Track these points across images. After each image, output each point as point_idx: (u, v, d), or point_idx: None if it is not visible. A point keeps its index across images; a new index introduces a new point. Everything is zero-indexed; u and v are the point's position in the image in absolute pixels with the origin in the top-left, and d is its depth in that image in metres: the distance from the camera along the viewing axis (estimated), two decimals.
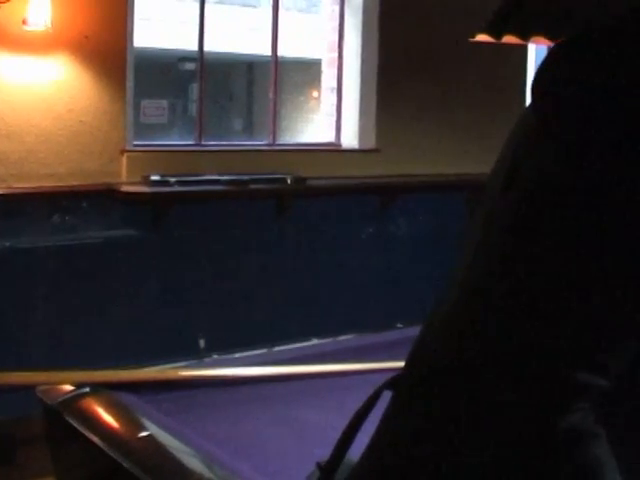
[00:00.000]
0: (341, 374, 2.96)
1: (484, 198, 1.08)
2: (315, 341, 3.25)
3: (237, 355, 3.01)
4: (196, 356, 3.74)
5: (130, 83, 5.47)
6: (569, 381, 0.91)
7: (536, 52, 9.70)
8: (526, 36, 6.43)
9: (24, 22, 4.89)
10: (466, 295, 1.01)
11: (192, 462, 2.29)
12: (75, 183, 5.25)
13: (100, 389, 2.74)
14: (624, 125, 0.88)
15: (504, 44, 6.54)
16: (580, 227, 0.91)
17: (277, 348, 3.15)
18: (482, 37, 6.44)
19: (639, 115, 0.89)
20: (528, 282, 0.94)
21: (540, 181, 0.94)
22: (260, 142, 6.69)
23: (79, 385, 2.74)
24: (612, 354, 0.93)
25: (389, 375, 3.05)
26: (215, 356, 3.16)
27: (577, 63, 0.95)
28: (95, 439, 2.40)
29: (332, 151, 6.56)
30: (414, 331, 3.46)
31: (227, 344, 3.44)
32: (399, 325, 3.54)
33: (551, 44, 6.45)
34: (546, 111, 0.98)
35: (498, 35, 6.46)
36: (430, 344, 1.05)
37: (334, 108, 6.61)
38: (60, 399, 2.68)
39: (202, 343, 5.50)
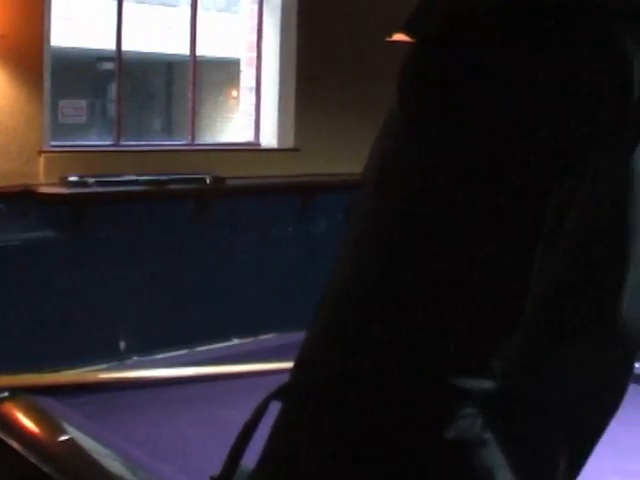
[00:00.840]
0: (263, 373, 2.96)
1: (358, 197, 1.01)
2: (236, 341, 3.25)
3: (159, 356, 3.00)
4: (116, 358, 3.72)
5: (47, 83, 5.41)
6: (450, 388, 0.86)
7: None
8: None
9: None
10: (341, 298, 0.97)
11: (114, 465, 2.27)
12: None
13: (19, 393, 2.70)
14: (485, 119, 0.89)
15: None
16: (448, 224, 0.90)
17: (198, 349, 3.14)
18: (399, 36, 6.51)
19: (500, 111, 0.89)
20: (398, 285, 0.91)
21: (407, 178, 0.93)
22: (179, 142, 6.66)
23: None
24: (494, 353, 0.89)
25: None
26: (135, 358, 3.15)
27: (438, 58, 0.94)
28: (14, 445, 2.37)
29: (251, 150, 6.55)
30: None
31: (148, 345, 3.43)
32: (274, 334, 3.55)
33: None
34: (409, 107, 0.97)
35: (415, 34, 6.54)
36: (312, 350, 1.01)
37: (253, 107, 6.61)
38: None
39: (122, 345, 5.46)
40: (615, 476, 2.33)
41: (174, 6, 11.63)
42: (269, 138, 6.58)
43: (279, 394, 1.07)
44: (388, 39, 6.43)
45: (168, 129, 13.97)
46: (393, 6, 6.47)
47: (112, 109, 7.17)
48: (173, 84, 14.20)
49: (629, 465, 2.41)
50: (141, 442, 2.41)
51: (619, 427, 2.64)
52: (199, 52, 6.30)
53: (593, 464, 2.37)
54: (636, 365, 2.99)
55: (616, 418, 2.69)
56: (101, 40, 8.27)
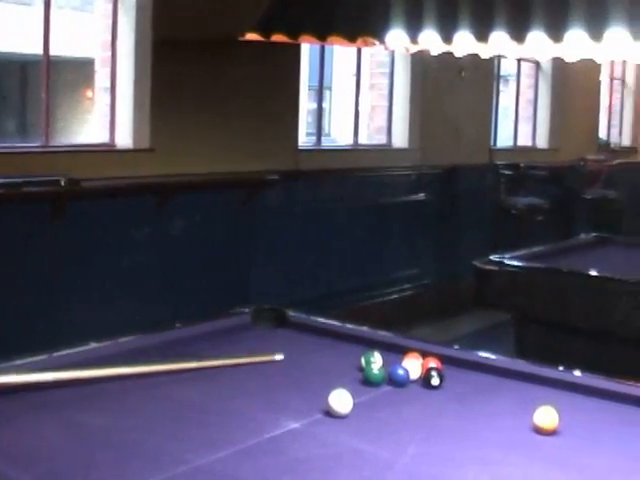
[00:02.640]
0: (123, 377, 2.96)
1: None
2: (94, 344, 3.23)
3: (17, 362, 2.96)
4: None
5: None
6: None
7: (309, 51, 9.89)
8: (294, 35, 6.57)
9: None
10: None
11: None
12: None
13: None
14: None
15: (277, 43, 6.67)
16: None
17: (57, 353, 3.12)
18: (252, 36, 6.55)
19: None
20: None
21: None
22: (33, 144, 6.55)
23: None
24: None
25: (174, 376, 3.08)
26: None
27: None
28: None
29: (106, 151, 6.49)
30: (193, 330, 3.53)
31: (5, 351, 3.38)
32: (178, 325, 3.56)
33: (346, 44, 6.63)
34: None
35: (267, 34, 6.58)
36: None
37: (108, 108, 6.54)
38: None
39: None
40: (474, 465, 2.41)
41: (27, 5, 11.41)
42: (124, 139, 6.52)
43: None
44: (241, 38, 6.49)
45: (23, 131, 13.71)
46: (247, 6, 6.53)
47: None
48: (27, 85, 13.94)
49: (487, 454, 2.50)
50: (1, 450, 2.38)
51: (478, 418, 2.75)
52: (53, 52, 6.19)
53: (454, 454, 2.47)
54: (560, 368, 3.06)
55: (478, 410, 2.79)
56: None
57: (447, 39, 5.97)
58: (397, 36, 6.15)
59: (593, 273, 5.32)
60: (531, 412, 2.68)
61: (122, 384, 2.91)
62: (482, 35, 5.83)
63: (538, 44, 5.68)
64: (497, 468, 2.40)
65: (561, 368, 3.22)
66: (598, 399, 2.99)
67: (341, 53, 10.08)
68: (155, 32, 6.42)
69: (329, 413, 2.68)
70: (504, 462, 2.44)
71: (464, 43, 5.97)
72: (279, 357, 3.18)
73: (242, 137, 7.08)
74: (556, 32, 5.54)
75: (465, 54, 6.32)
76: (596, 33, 5.39)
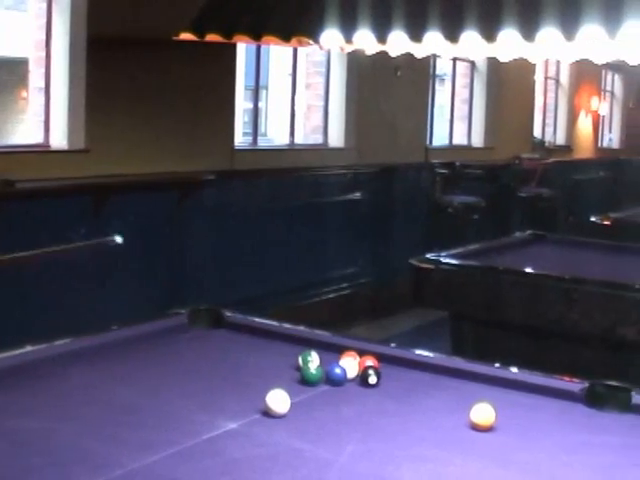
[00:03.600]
0: (60, 379, 2.94)
1: None
2: (29, 348, 3.19)
3: None
4: None
5: None
6: None
7: (246, 51, 9.87)
8: (229, 35, 6.56)
9: None
10: None
11: None
12: None
13: None
14: None
15: (213, 42, 6.65)
16: None
17: None
18: (186, 36, 6.53)
19: None
20: None
21: None
22: None
23: None
24: None
25: (112, 378, 3.06)
26: None
27: None
28: None
29: (41, 152, 6.42)
30: (129, 332, 3.50)
31: None
32: (114, 327, 3.54)
33: (281, 43, 6.63)
34: None
35: (201, 34, 6.56)
36: None
37: (42, 108, 6.48)
38: None
39: None
40: (412, 463, 2.42)
41: None
42: (59, 139, 6.46)
43: None
44: (175, 37, 6.46)
45: None
46: (181, 7, 6.50)
47: None
48: None
49: (425, 451, 2.51)
50: None
51: (415, 416, 2.77)
52: None
53: (391, 452, 2.48)
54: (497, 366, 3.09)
55: (416, 407, 2.81)
56: None
57: (381, 39, 6.00)
58: (332, 36, 6.17)
59: (528, 270, 5.38)
60: (468, 409, 2.70)
61: (54, 387, 2.89)
62: (416, 35, 5.86)
63: (472, 44, 5.73)
64: (435, 465, 2.41)
65: (497, 365, 3.25)
66: (534, 395, 3.02)
67: (277, 53, 10.09)
68: (90, 32, 6.36)
69: (267, 413, 2.68)
70: (441, 459, 2.46)
71: (398, 43, 6.01)
72: (118, 239, 3.04)
73: (178, 137, 7.06)
74: (489, 32, 5.59)
75: (400, 54, 6.36)
76: (529, 33, 5.45)
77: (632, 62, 6.04)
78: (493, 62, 9.39)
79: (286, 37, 6.42)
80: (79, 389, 2.91)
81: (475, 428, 2.67)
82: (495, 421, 2.67)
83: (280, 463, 2.36)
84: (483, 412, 2.67)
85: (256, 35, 6.44)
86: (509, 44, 5.63)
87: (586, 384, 3.01)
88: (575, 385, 3.04)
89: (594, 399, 2.95)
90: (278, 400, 2.68)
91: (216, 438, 2.51)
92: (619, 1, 5.13)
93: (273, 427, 2.62)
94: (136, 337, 3.44)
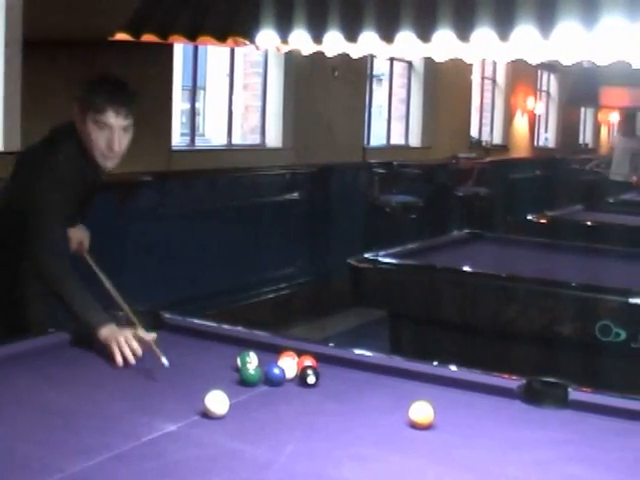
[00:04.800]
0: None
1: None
2: None
3: None
4: None
5: None
6: None
7: (183, 51, 9.82)
8: (164, 35, 6.53)
9: None
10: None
11: None
12: None
13: None
14: None
15: (149, 43, 6.61)
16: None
17: None
18: (122, 36, 6.48)
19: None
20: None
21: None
22: None
23: None
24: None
25: (47, 381, 3.02)
26: None
27: None
28: None
29: None
30: (66, 334, 3.45)
31: None
32: (50, 329, 3.51)
33: (216, 44, 6.59)
34: None
35: (137, 34, 6.52)
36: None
37: None
38: None
39: None
40: (352, 462, 2.43)
41: None
42: None
43: None
44: (111, 37, 6.41)
45: None
46: (117, 7, 6.45)
47: None
48: None
49: (365, 451, 2.52)
50: None
51: (355, 415, 2.77)
52: None
53: (331, 452, 2.49)
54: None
55: (355, 407, 2.82)
56: None
57: (317, 39, 6.01)
58: (267, 36, 6.16)
59: (465, 269, 5.42)
60: (407, 407, 2.71)
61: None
62: (352, 35, 5.88)
63: (407, 44, 5.76)
64: (374, 464, 2.42)
65: (435, 363, 3.27)
66: (472, 392, 3.05)
67: (215, 53, 10.05)
68: (25, 33, 6.29)
69: (206, 414, 2.68)
70: (381, 458, 2.47)
71: (334, 43, 6.02)
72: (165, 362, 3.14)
73: None
74: (425, 32, 5.62)
75: (336, 54, 6.37)
76: (464, 34, 5.49)
77: (566, 62, 6.11)
78: (430, 62, 9.44)
79: (222, 37, 6.39)
80: (12, 391, 2.87)
81: (414, 426, 2.68)
82: (434, 419, 2.69)
83: (220, 464, 2.36)
84: (422, 410, 2.69)
85: (192, 35, 6.41)
86: (444, 44, 5.66)
87: (523, 381, 3.04)
88: (513, 382, 3.06)
89: (531, 395, 2.98)
90: (217, 401, 2.68)
91: (155, 440, 2.50)
92: (552, 2, 5.18)
93: (212, 428, 2.61)
94: (72, 339, 3.42)
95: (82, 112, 3.74)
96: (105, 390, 2.96)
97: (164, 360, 3.06)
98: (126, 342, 3.19)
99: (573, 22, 5.11)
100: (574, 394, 2.96)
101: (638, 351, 4.53)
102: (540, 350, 4.91)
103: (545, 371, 3.13)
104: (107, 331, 3.27)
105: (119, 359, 3.17)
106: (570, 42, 5.28)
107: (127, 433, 2.53)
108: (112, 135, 3.70)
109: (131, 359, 3.16)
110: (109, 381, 3.06)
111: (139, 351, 3.20)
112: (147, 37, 6.41)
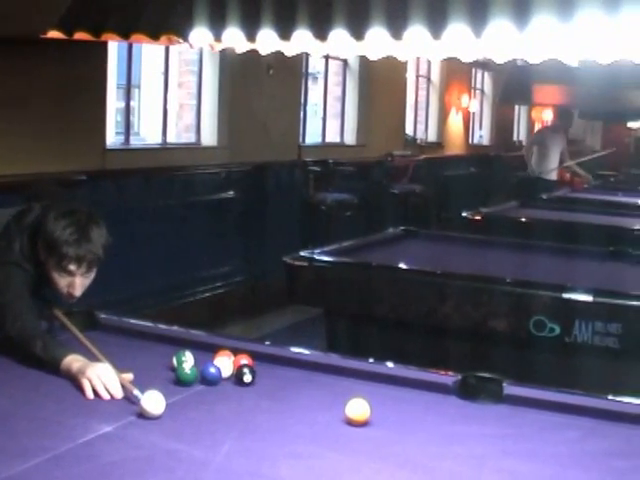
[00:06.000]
0: None
1: None
2: None
3: None
4: None
5: None
6: None
7: (118, 49, 9.74)
8: (97, 33, 6.47)
9: None
10: None
11: None
12: None
13: None
14: None
15: (83, 41, 6.55)
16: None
17: None
18: (54, 33, 6.41)
19: None
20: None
21: None
22: None
23: None
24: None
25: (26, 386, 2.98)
26: None
27: None
28: None
29: None
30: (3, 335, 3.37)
31: None
32: None
33: (150, 42, 6.55)
34: None
35: (69, 32, 6.45)
36: None
37: None
38: None
39: None
40: (289, 460, 2.44)
41: None
42: None
43: None
44: (43, 36, 6.34)
45: None
46: (49, 4, 6.38)
47: None
48: None
49: (301, 448, 2.53)
50: None
51: (291, 413, 2.77)
52: None
53: (268, 450, 2.49)
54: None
55: (291, 404, 2.81)
56: None
57: (251, 37, 6.01)
58: (201, 34, 6.14)
59: (401, 266, 5.44)
60: (343, 405, 2.72)
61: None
62: (285, 33, 5.89)
63: (341, 42, 5.78)
64: (311, 461, 2.43)
65: (371, 360, 3.29)
66: (408, 389, 3.07)
67: (149, 51, 9.97)
68: None
69: (142, 415, 2.67)
70: (317, 455, 2.48)
71: (268, 41, 6.02)
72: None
73: (47, 138, 6.93)
74: (358, 31, 5.65)
75: (270, 52, 6.37)
76: (396, 32, 5.52)
77: (498, 60, 6.18)
78: (365, 60, 9.47)
79: (155, 35, 6.36)
80: None
81: (350, 423, 2.70)
82: (370, 416, 2.71)
83: (156, 465, 2.35)
84: (358, 407, 2.70)
85: (125, 34, 6.37)
86: (377, 42, 5.69)
87: (459, 376, 3.07)
88: (448, 378, 3.09)
89: (467, 391, 3.01)
90: (153, 401, 2.67)
91: (91, 442, 2.48)
92: (484, 1, 5.23)
93: (148, 429, 2.60)
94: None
95: (45, 250, 3.35)
96: (40, 392, 2.94)
97: (137, 392, 2.86)
98: (99, 379, 2.91)
99: (505, 21, 5.17)
100: (509, 389, 2.99)
101: (572, 346, 4.59)
102: (475, 346, 4.95)
103: (480, 367, 3.16)
104: (77, 364, 3.02)
105: (90, 394, 2.90)
106: (502, 41, 5.33)
107: (63, 435, 2.51)
108: (74, 282, 3.36)
109: (105, 395, 2.89)
110: (44, 383, 3.03)
111: (118, 394, 2.91)
112: (80, 35, 6.35)
